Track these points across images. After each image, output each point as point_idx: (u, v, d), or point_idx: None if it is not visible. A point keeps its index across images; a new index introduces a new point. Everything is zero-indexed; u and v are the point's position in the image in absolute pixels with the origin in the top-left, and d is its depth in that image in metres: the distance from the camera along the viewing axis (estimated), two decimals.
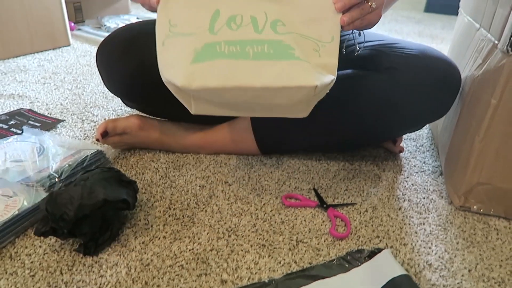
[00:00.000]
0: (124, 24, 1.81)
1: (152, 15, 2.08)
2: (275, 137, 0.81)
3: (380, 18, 0.64)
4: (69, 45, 1.60)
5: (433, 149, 0.92)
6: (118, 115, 1.04)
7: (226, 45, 0.60)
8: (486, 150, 0.66)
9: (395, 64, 0.71)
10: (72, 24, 1.80)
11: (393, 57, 0.72)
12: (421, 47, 0.74)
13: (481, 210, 0.70)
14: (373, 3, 0.59)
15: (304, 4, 0.61)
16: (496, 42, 0.64)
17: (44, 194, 0.66)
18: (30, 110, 1.03)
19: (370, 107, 0.73)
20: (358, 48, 0.74)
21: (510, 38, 0.59)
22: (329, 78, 0.60)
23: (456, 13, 1.02)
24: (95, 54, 1.48)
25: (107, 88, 0.83)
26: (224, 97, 0.61)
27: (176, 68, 0.60)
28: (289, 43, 0.60)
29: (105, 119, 1.01)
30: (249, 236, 0.63)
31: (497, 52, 0.63)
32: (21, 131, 0.90)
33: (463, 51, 0.83)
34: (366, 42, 0.81)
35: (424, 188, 0.77)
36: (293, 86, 0.57)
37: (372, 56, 0.75)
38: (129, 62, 0.74)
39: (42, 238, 0.60)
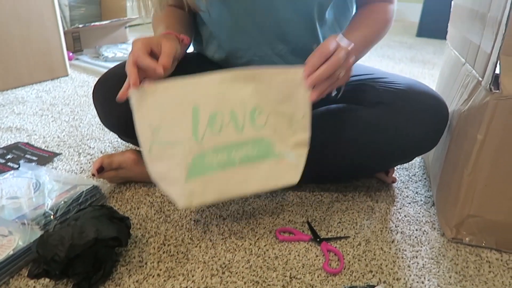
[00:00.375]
0: (121, 54, 1.85)
1: None
2: None
3: (349, 77, 0.66)
4: (67, 75, 1.63)
5: (425, 178, 0.93)
6: (115, 148, 1.05)
7: (214, 153, 0.64)
8: (475, 183, 0.67)
9: (384, 99, 0.73)
10: (71, 54, 1.84)
11: (382, 92, 0.74)
12: (409, 82, 0.76)
13: (473, 242, 0.71)
14: (341, 73, 0.62)
15: (276, 81, 0.65)
16: (480, 79, 0.66)
17: (39, 233, 0.67)
18: (27, 143, 1.05)
19: (360, 140, 0.75)
20: (336, 92, 0.76)
21: (492, 77, 0.61)
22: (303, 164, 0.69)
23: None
24: (92, 86, 1.51)
25: (103, 124, 0.85)
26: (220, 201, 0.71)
27: (172, 185, 0.64)
28: (269, 138, 0.67)
29: (101, 152, 1.02)
30: (242, 272, 0.63)
31: (481, 89, 0.65)
32: (18, 166, 0.91)
33: (450, 84, 0.85)
34: (356, 76, 0.83)
35: (417, 220, 0.78)
36: (279, 186, 0.68)
37: (362, 91, 0.77)
38: (125, 101, 0.76)
39: (35, 279, 0.61)
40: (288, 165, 0.69)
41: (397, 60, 2.09)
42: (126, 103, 0.78)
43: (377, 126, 0.73)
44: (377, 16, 0.80)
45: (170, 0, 0.81)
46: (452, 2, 0.95)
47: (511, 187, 0.65)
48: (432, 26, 2.75)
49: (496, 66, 0.61)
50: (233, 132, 0.65)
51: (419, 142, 0.73)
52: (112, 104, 0.79)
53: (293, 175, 0.70)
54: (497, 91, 0.61)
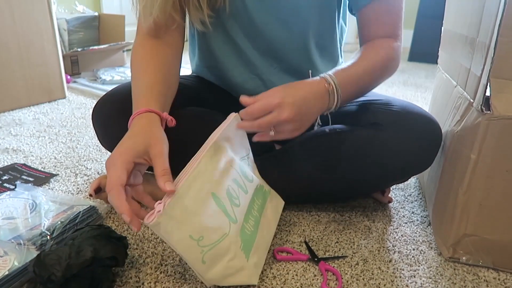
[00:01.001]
0: (119, 77, 1.87)
1: None
2: None
3: (296, 135, 0.66)
4: (64, 97, 1.64)
5: (421, 198, 0.94)
6: None
7: (246, 222, 0.66)
8: (470, 202, 0.68)
9: (379, 120, 0.75)
10: (68, 77, 1.86)
11: (378, 113, 0.76)
12: (403, 103, 0.78)
13: (470, 261, 0.71)
14: (285, 126, 0.63)
15: (229, 132, 0.69)
16: (472, 100, 0.68)
17: (35, 253, 0.66)
18: (23, 164, 1.05)
19: (356, 160, 0.76)
20: (319, 122, 0.79)
21: (483, 99, 0.63)
22: None
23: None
24: (90, 108, 1.52)
25: (102, 145, 0.85)
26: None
27: (238, 275, 0.62)
28: (259, 184, 0.75)
29: (98, 173, 1.02)
30: None
31: (473, 110, 0.66)
32: (14, 187, 0.91)
33: (443, 106, 0.87)
34: None
35: (414, 239, 0.79)
36: (280, 213, 0.79)
37: (358, 112, 0.79)
38: (123, 123, 0.77)
39: None
40: (274, 193, 0.80)
41: (390, 83, 2.13)
42: (124, 126, 0.79)
43: (373, 146, 0.74)
44: (380, 52, 0.76)
45: (159, 19, 0.77)
46: (442, 28, 0.99)
47: (506, 206, 0.66)
48: (423, 51, 2.83)
49: (486, 88, 0.63)
50: (244, 196, 0.68)
51: (413, 162, 0.74)
52: (111, 125, 0.81)
53: (280, 198, 0.81)
54: (488, 111, 0.63)
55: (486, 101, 0.63)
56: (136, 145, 0.59)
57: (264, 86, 0.88)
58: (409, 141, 0.73)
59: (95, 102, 0.83)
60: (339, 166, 0.77)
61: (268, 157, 0.85)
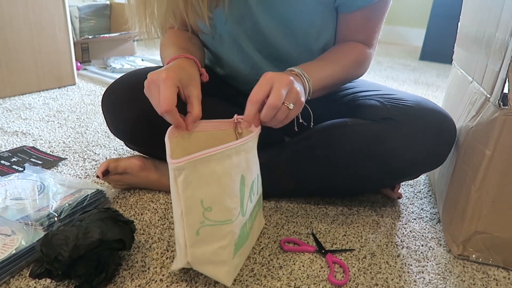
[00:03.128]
0: (129, 66, 1.87)
1: (157, 57, 2.15)
2: (272, 180, 0.82)
3: (303, 102, 0.64)
4: (74, 84, 1.65)
5: (430, 195, 0.93)
6: (120, 155, 1.05)
7: (249, 223, 0.64)
8: (482, 199, 0.66)
9: (392, 115, 0.73)
10: (79, 64, 1.86)
11: (390, 108, 0.75)
12: (417, 99, 0.77)
13: (480, 259, 0.70)
14: (290, 105, 0.60)
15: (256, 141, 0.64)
16: (488, 95, 0.67)
17: (42, 233, 0.66)
18: (32, 147, 1.05)
19: (367, 154, 0.74)
20: (301, 122, 0.75)
21: (501, 93, 0.61)
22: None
23: (450, 62, 1.06)
24: (99, 95, 1.52)
25: (112, 132, 0.85)
26: None
27: (218, 267, 0.58)
28: (260, 190, 0.69)
29: (106, 158, 1.02)
30: (247, 281, 0.62)
31: (490, 106, 0.65)
32: (22, 169, 0.91)
33: (457, 102, 0.86)
34: (363, 91, 0.84)
35: (423, 235, 0.78)
36: (259, 232, 0.74)
37: (369, 106, 0.77)
38: (133, 109, 0.76)
39: (37, 279, 0.60)
40: (261, 210, 0.74)
41: (401, 81, 2.11)
42: (133, 112, 0.78)
43: (385, 141, 0.73)
44: (350, 54, 0.78)
45: (173, 24, 0.81)
46: (459, 24, 0.97)
47: None
48: (435, 51, 2.79)
49: (505, 83, 0.62)
50: (256, 197, 0.66)
51: (426, 158, 0.73)
52: (120, 112, 0.80)
53: (263, 219, 0.76)
54: (506, 107, 0.61)
55: (504, 97, 0.62)
56: (182, 75, 0.61)
57: None
58: (423, 137, 0.71)
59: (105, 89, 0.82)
60: (348, 160, 0.76)
61: (277, 148, 0.84)
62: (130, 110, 0.77)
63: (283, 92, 0.59)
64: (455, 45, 1.00)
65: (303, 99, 0.63)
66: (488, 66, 0.69)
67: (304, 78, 0.68)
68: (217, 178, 0.54)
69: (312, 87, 0.69)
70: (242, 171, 0.58)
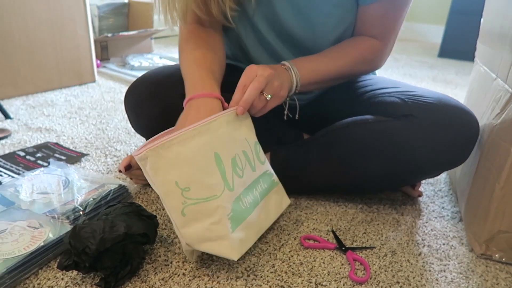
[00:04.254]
0: (147, 63, 1.89)
1: (174, 55, 2.16)
2: (291, 178, 0.82)
3: (283, 97, 0.71)
4: (94, 81, 1.67)
5: (451, 194, 0.92)
6: None
7: (244, 197, 0.65)
8: (507, 198, 0.66)
9: (413, 111, 0.73)
10: (98, 61, 1.89)
11: (411, 104, 0.74)
12: (438, 95, 0.76)
13: (503, 259, 0.69)
14: (268, 96, 0.67)
15: (234, 121, 0.67)
16: None
17: (68, 227, 0.68)
18: (56, 143, 1.07)
19: (387, 152, 0.74)
20: (289, 115, 0.79)
21: None
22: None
23: (469, 59, 1.05)
24: (119, 92, 1.54)
25: (134, 129, 0.87)
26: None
27: (218, 243, 0.59)
28: (270, 171, 0.73)
29: (127, 154, 1.04)
30: (267, 276, 0.63)
31: None
32: (47, 164, 0.93)
33: (480, 100, 0.85)
34: (381, 88, 0.83)
35: (444, 234, 0.77)
36: (282, 211, 0.75)
37: (390, 103, 0.77)
38: (155, 106, 0.77)
39: (64, 271, 0.61)
40: (282, 188, 0.76)
41: (419, 79, 2.08)
42: (155, 109, 0.80)
43: (407, 138, 0.72)
44: (355, 49, 0.80)
45: (193, 16, 0.79)
46: (482, 20, 0.96)
47: None
48: (454, 48, 2.75)
49: None
50: (250, 172, 0.67)
51: (448, 156, 0.72)
52: (143, 109, 0.82)
53: (286, 198, 0.77)
54: None
55: None
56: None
57: None
58: (445, 134, 0.71)
59: (125, 87, 0.84)
60: (369, 158, 0.76)
61: (296, 145, 0.84)
62: (152, 107, 0.78)
63: (263, 80, 0.65)
64: (477, 41, 0.99)
65: (282, 92, 0.70)
66: None
67: (293, 72, 0.73)
68: (184, 159, 0.57)
69: (301, 81, 0.74)
70: (213, 148, 0.61)
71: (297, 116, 0.80)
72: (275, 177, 0.75)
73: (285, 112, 0.78)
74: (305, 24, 0.79)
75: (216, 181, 0.60)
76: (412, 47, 3.16)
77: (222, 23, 0.81)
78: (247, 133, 0.69)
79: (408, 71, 2.27)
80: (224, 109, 0.68)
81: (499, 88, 0.73)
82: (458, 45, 2.73)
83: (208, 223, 0.58)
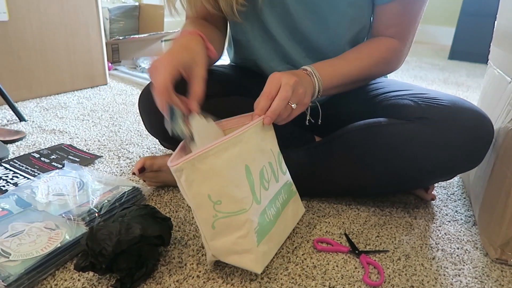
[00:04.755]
0: None
1: None
2: (303, 180, 0.82)
3: (306, 104, 0.70)
4: (106, 84, 1.69)
5: (464, 198, 0.91)
6: (152, 153, 1.08)
7: (269, 209, 0.64)
8: None
9: (427, 114, 0.72)
10: (109, 64, 1.91)
11: (425, 107, 0.74)
12: (452, 98, 0.75)
13: None
14: (293, 104, 0.66)
15: (261, 131, 0.66)
16: None
17: (84, 228, 0.69)
18: (70, 145, 1.09)
19: (402, 154, 0.74)
20: (309, 119, 0.78)
21: None
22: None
23: (481, 61, 1.04)
24: (130, 95, 1.56)
25: (148, 132, 0.87)
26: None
27: (244, 256, 0.59)
28: (290, 181, 0.73)
29: (140, 157, 1.05)
30: (281, 279, 0.63)
31: None
32: (62, 166, 0.95)
33: (494, 103, 0.84)
34: (394, 91, 0.83)
35: (458, 238, 0.76)
36: (297, 221, 0.76)
37: (402, 105, 0.76)
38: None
39: (80, 272, 0.62)
40: (298, 198, 0.76)
41: (430, 81, 2.07)
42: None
43: (421, 141, 0.72)
44: (374, 51, 0.80)
45: (201, 10, 0.81)
46: (496, 22, 0.95)
47: None
48: (465, 49, 2.73)
49: None
50: (274, 183, 0.68)
51: (462, 159, 0.72)
52: (157, 113, 0.82)
53: (302, 206, 0.78)
54: None
55: None
56: (183, 56, 0.63)
57: None
58: (459, 137, 0.70)
59: (136, 89, 0.85)
60: (382, 160, 0.76)
61: (309, 148, 0.84)
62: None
63: (289, 89, 0.64)
64: (491, 44, 0.98)
65: (306, 99, 0.69)
66: None
67: (315, 77, 0.73)
68: (218, 171, 0.57)
69: (323, 86, 0.74)
70: (244, 160, 0.61)
71: (319, 121, 0.79)
72: (293, 186, 0.74)
73: (307, 118, 0.78)
74: (320, 24, 0.80)
75: (246, 194, 0.60)
76: (422, 49, 3.14)
77: (231, 18, 0.81)
78: (272, 143, 0.69)
79: (419, 73, 2.25)
80: (207, 50, 0.69)
81: None
82: (469, 47, 2.71)
83: (236, 236, 0.59)
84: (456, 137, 0.70)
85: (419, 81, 2.05)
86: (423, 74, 2.23)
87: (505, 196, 0.67)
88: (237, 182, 0.59)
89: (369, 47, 0.82)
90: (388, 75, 0.98)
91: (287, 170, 0.74)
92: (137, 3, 2.31)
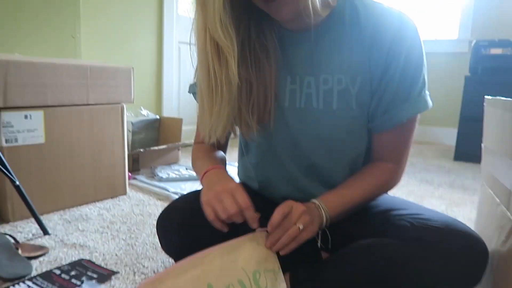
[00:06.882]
0: (174, 175, 2.03)
1: None
2: None
3: (314, 232, 0.79)
4: (125, 194, 1.80)
5: None
6: (166, 267, 1.12)
7: None
8: None
9: (422, 235, 0.77)
10: (129, 174, 2.04)
11: (420, 229, 0.78)
12: (445, 219, 0.80)
13: None
14: (300, 225, 0.75)
15: (253, 246, 0.76)
16: None
17: None
18: (89, 261, 1.14)
19: (399, 274, 0.77)
20: (322, 246, 0.86)
21: None
22: None
23: None
24: (147, 205, 1.65)
25: (165, 252, 0.94)
26: None
27: None
28: None
29: (154, 272, 1.09)
30: None
31: None
32: (81, 282, 0.99)
33: (488, 223, 0.89)
34: (394, 210, 0.89)
35: None
36: None
37: (398, 226, 0.82)
38: (185, 236, 0.85)
39: None
40: None
41: (436, 185, 2.13)
42: (185, 239, 0.87)
43: (417, 263, 0.75)
44: (374, 177, 0.90)
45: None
46: (482, 145, 1.04)
47: None
48: (468, 150, 2.82)
49: None
50: None
51: (458, 281, 0.74)
52: (173, 237, 0.89)
53: None
54: None
55: None
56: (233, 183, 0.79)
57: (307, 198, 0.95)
58: (453, 259, 0.73)
59: (154, 199, 0.93)
60: (382, 280, 0.79)
61: (318, 266, 0.88)
62: (182, 237, 0.86)
63: (305, 218, 0.76)
64: (481, 163, 1.06)
65: (313, 227, 0.78)
66: (510, 193, 0.75)
67: (322, 210, 0.82)
68: None
69: (330, 215, 0.82)
70: (206, 279, 0.67)
71: (329, 245, 0.86)
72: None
73: (319, 244, 0.85)
74: (323, 150, 0.90)
75: None
76: (428, 150, 3.26)
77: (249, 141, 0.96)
78: (246, 263, 0.74)
79: (425, 176, 2.33)
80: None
81: (502, 214, 0.79)
82: (472, 149, 2.80)
83: None
84: (450, 259, 0.74)
85: (425, 185, 2.12)
86: (429, 178, 2.30)
87: None
88: None
89: (368, 173, 0.91)
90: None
91: (269, 285, 0.76)
92: (157, 116, 2.54)
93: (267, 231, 0.77)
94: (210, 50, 0.77)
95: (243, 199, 0.75)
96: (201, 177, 0.87)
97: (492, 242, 0.81)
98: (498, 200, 0.85)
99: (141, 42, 2.81)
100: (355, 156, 0.93)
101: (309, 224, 0.76)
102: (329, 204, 0.83)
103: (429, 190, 2.03)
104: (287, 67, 0.90)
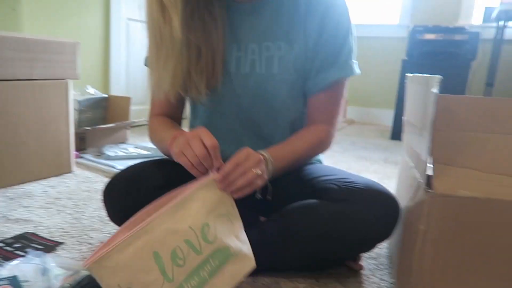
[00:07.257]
0: (122, 153, 2.03)
1: (148, 144, 2.33)
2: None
3: (265, 182, 0.84)
4: (71, 172, 1.78)
5: (390, 267, 1.05)
6: None
7: (186, 282, 0.70)
8: (422, 270, 0.79)
9: (347, 196, 0.89)
10: (76, 152, 2.01)
11: (345, 190, 0.90)
12: (367, 182, 0.92)
13: None
14: (258, 171, 0.80)
15: (203, 194, 0.75)
16: (421, 181, 0.83)
17: None
18: (33, 233, 1.15)
19: (328, 231, 0.88)
20: (259, 196, 0.92)
21: (427, 179, 0.78)
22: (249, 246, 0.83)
23: None
24: (94, 182, 1.66)
25: (112, 221, 0.98)
26: None
27: None
28: (223, 245, 0.75)
29: (100, 242, 1.13)
30: None
31: (421, 189, 0.81)
32: (25, 253, 1.01)
33: (403, 184, 1.02)
34: (324, 176, 0.99)
35: None
36: (244, 275, 0.80)
37: (328, 189, 0.93)
38: (130, 201, 0.90)
39: None
40: (243, 256, 0.80)
41: (372, 161, 2.31)
42: (129, 204, 0.92)
43: (342, 219, 0.87)
44: (310, 136, 1.01)
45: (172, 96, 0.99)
46: (403, 118, 1.17)
47: (452, 273, 0.77)
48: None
49: (429, 171, 0.78)
50: (194, 257, 0.72)
51: (376, 232, 0.88)
52: (120, 205, 0.94)
53: (250, 261, 0.82)
54: (431, 190, 0.77)
55: (430, 182, 0.78)
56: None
57: None
58: (372, 215, 0.86)
59: (101, 176, 0.97)
60: (312, 236, 0.89)
61: (256, 228, 0.96)
62: (126, 203, 0.91)
63: (257, 160, 0.81)
64: (402, 135, 1.20)
65: (265, 175, 0.84)
66: (419, 156, 0.87)
67: (269, 161, 0.89)
68: (124, 265, 0.65)
69: (275, 167, 0.89)
70: (151, 248, 0.67)
71: (270, 197, 0.94)
72: (233, 248, 0.77)
73: (258, 196, 0.90)
74: (266, 111, 1.00)
75: (156, 277, 0.67)
76: (368, 130, 3.47)
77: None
78: (194, 219, 0.73)
79: (363, 154, 2.50)
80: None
81: (413, 176, 0.91)
82: None
83: None
84: (369, 214, 0.86)
85: (362, 161, 2.28)
86: (367, 155, 2.47)
87: (409, 265, 0.81)
88: (146, 269, 0.66)
89: (307, 133, 1.02)
90: (324, 157, 1.16)
91: (218, 237, 0.75)
92: (106, 95, 2.50)
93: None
94: (155, 8, 0.85)
95: (211, 140, 0.76)
96: (170, 143, 0.86)
97: (404, 200, 0.94)
98: (412, 164, 0.97)
99: (87, 17, 2.72)
100: (294, 119, 1.04)
101: (263, 173, 0.83)
102: (274, 156, 0.90)
103: (365, 166, 2.19)
104: (234, 36, 0.98)
